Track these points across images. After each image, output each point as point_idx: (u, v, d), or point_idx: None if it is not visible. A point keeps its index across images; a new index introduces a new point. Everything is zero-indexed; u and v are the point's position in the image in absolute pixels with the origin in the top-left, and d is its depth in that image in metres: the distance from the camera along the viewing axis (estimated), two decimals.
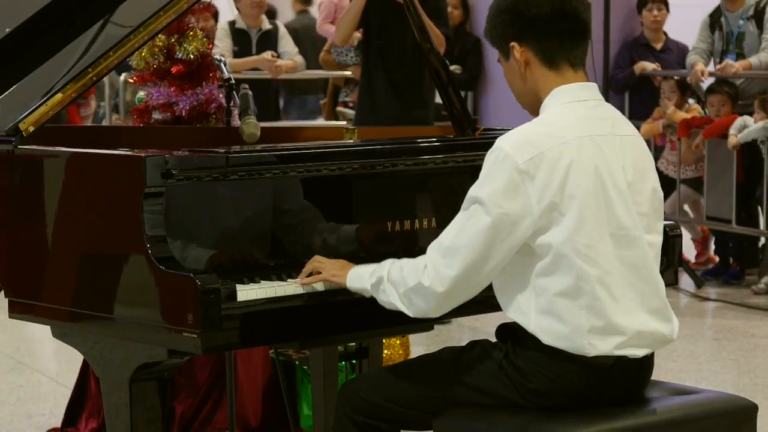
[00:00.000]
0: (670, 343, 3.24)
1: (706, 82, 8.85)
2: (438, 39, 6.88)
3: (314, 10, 11.38)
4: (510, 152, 3.04)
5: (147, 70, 4.92)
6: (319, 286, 3.25)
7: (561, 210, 3.04)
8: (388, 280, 3.15)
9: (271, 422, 4.83)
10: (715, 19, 8.72)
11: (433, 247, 3.11)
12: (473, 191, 3.07)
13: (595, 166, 3.08)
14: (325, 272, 3.26)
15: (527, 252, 3.08)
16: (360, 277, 3.22)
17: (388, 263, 3.19)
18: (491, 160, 3.07)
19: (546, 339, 3.07)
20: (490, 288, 3.15)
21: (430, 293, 3.08)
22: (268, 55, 8.84)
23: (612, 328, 3.07)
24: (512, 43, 3.17)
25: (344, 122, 8.31)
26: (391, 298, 3.15)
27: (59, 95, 3.50)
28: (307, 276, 3.27)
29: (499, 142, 3.08)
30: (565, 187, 3.04)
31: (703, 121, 8.60)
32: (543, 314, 3.07)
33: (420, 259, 3.12)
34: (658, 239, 3.23)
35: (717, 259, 8.93)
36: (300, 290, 3.23)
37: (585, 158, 3.07)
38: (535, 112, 3.22)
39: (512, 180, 3.03)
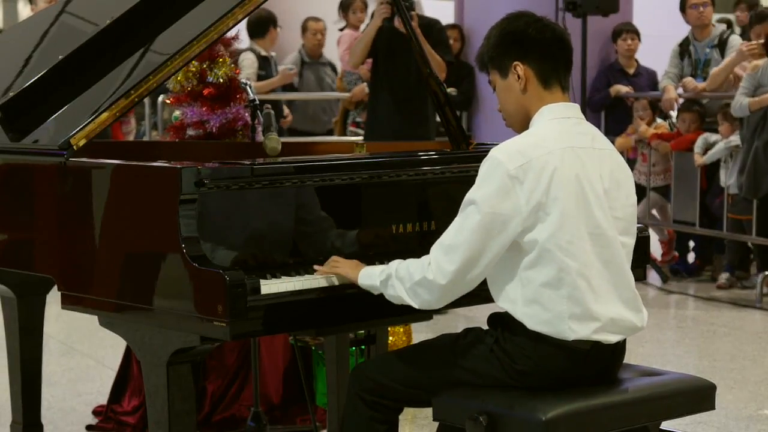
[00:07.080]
0: (640, 331, 3.24)
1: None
2: (440, 66, 6.95)
3: None
4: (502, 160, 3.05)
5: (182, 92, 4.92)
6: (334, 280, 3.25)
7: (546, 210, 3.05)
8: (396, 277, 3.15)
9: (290, 400, 4.83)
10: (684, 48, 8.73)
11: (435, 246, 3.11)
12: (470, 195, 3.08)
13: (575, 173, 3.09)
14: (341, 269, 3.27)
15: (516, 248, 3.08)
16: (370, 276, 3.22)
17: (396, 263, 3.18)
18: (486, 166, 3.08)
19: (531, 324, 3.08)
20: (482, 283, 3.15)
21: (434, 286, 3.08)
22: (282, 67, 8.98)
23: (589, 315, 3.08)
24: (516, 62, 3.18)
25: (361, 138, 8.31)
26: (399, 292, 3.15)
27: (106, 114, 3.50)
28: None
29: (493, 151, 3.09)
30: (549, 190, 3.04)
31: (670, 136, 8.62)
32: (529, 303, 3.08)
33: (424, 257, 3.12)
34: (631, 241, 3.23)
35: (677, 255, 8.95)
36: (316, 285, 3.22)
37: (567, 166, 3.08)
38: (520, 128, 3.22)
39: (504, 184, 3.03)
